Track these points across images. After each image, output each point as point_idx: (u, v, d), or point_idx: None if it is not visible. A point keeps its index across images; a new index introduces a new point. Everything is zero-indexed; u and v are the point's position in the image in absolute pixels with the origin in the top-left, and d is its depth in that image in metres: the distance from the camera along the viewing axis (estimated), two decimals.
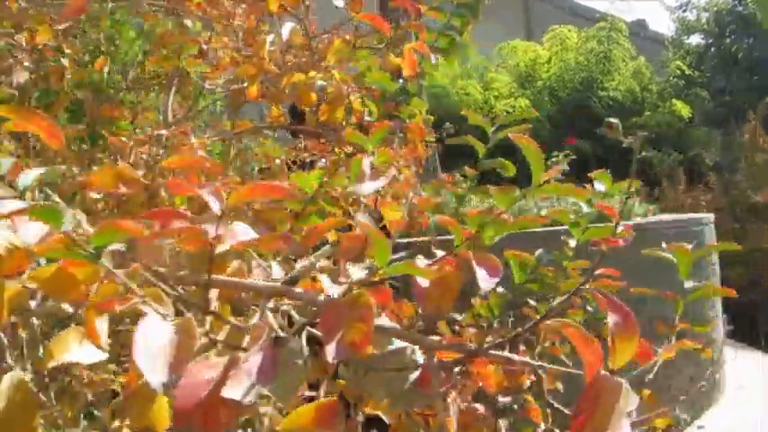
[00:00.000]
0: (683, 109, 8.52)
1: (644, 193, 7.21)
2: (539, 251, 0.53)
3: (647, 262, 3.54)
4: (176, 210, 0.46)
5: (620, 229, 0.64)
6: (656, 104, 8.71)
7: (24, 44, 0.81)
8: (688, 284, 0.64)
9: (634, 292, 0.64)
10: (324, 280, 0.45)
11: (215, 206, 0.43)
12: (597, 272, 0.64)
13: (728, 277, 6.50)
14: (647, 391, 0.72)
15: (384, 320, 0.48)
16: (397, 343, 0.47)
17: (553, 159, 4.25)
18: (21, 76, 0.95)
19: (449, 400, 0.53)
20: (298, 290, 0.48)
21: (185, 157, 0.99)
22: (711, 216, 4.36)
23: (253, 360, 0.37)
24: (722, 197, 6.78)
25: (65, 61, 1.01)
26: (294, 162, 1.37)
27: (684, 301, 0.72)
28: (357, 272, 0.45)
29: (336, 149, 0.81)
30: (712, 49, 10.27)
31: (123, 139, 1.17)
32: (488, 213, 0.50)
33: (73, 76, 0.85)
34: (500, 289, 0.76)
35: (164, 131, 1.09)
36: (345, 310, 0.39)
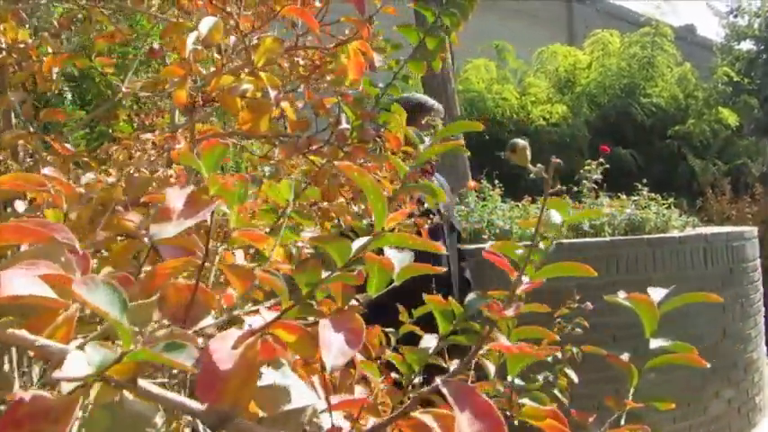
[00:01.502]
0: (730, 117, 8.20)
1: (687, 203, 6.97)
2: (470, 295, 0.45)
3: (681, 277, 3.37)
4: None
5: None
6: (702, 112, 8.41)
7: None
8: (654, 344, 0.56)
9: (608, 300, 0.57)
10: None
11: None
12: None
13: None
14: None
15: (279, 375, 0.40)
16: (296, 401, 0.39)
17: (586, 168, 4.13)
18: None
19: None
20: None
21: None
22: (755, 230, 4.17)
23: None
24: None
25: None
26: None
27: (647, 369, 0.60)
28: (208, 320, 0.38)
29: (312, 158, 0.76)
30: (763, 56, 9.87)
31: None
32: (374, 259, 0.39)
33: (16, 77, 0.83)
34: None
35: (149, 135, 1.06)
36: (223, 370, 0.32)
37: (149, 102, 1.62)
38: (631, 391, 0.56)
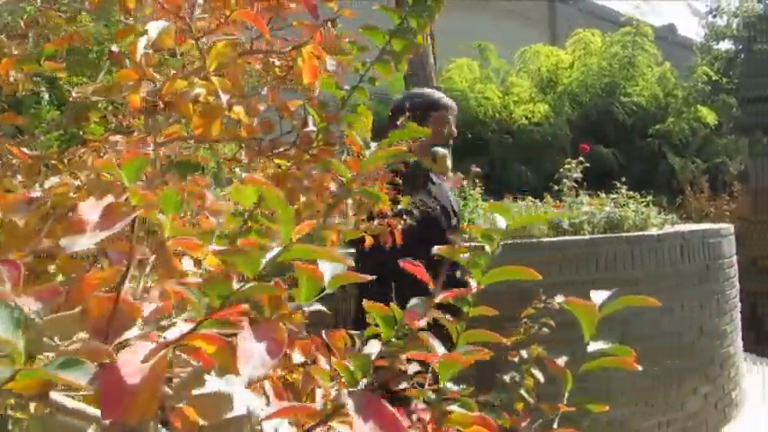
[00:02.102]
0: (709, 116, 8.31)
1: (667, 201, 7.05)
2: (413, 300, 0.45)
3: (659, 275, 3.41)
4: None
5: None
6: (681, 111, 8.51)
7: None
8: (593, 346, 0.57)
9: (565, 306, 0.57)
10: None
11: None
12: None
13: (750, 290, 6.32)
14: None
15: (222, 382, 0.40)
16: (238, 408, 0.39)
17: (566, 167, 4.16)
18: None
19: None
20: None
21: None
22: (731, 227, 4.23)
23: None
24: (747, 207, 6.59)
25: None
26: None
27: (587, 367, 0.60)
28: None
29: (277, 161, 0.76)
30: (742, 56, 10.01)
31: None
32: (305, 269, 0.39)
33: None
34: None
35: (118, 137, 1.06)
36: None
37: (126, 103, 1.60)
38: (566, 394, 0.56)
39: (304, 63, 0.65)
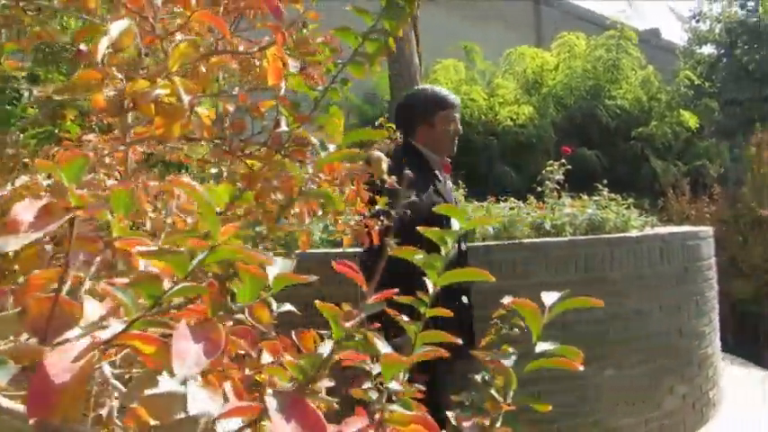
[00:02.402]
0: (691, 119, 8.42)
1: (648, 203, 7.13)
2: (366, 302, 0.46)
3: (638, 276, 3.44)
4: None
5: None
6: (664, 114, 8.61)
7: None
8: (540, 347, 0.58)
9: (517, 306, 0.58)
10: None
11: None
12: None
13: (730, 291, 6.41)
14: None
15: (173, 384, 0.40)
16: (192, 408, 0.39)
17: (548, 169, 4.20)
18: None
19: None
20: None
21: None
22: (710, 229, 4.29)
23: None
24: (727, 209, 6.68)
25: None
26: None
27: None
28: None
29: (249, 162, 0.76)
30: (724, 60, 10.15)
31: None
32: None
33: None
34: None
35: (92, 136, 1.05)
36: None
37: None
38: (510, 393, 0.57)
39: (268, 65, 0.66)
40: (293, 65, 0.66)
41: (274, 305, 0.88)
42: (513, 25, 12.69)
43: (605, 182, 4.36)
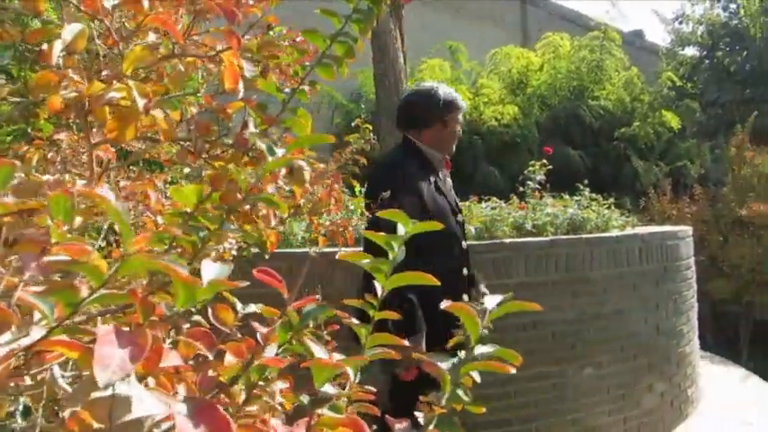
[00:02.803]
0: (673, 120, 8.51)
1: (630, 203, 7.20)
2: (309, 306, 0.46)
3: (618, 276, 3.47)
4: None
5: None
6: (646, 115, 8.69)
7: None
8: (479, 350, 0.59)
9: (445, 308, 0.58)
10: None
11: None
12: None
13: (710, 291, 6.49)
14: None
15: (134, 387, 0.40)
16: (137, 411, 0.39)
17: (530, 169, 4.22)
18: None
19: None
20: None
21: None
22: (689, 229, 4.34)
23: None
24: (707, 210, 6.76)
25: None
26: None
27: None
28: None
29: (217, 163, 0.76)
30: (706, 62, 10.27)
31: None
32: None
33: None
34: None
35: (62, 135, 1.05)
36: None
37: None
38: (445, 396, 0.58)
39: (224, 69, 0.66)
40: (249, 69, 0.67)
41: (239, 306, 0.88)
42: (499, 25, 12.75)
43: (587, 182, 4.40)
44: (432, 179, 2.44)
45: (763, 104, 9.26)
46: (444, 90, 2.60)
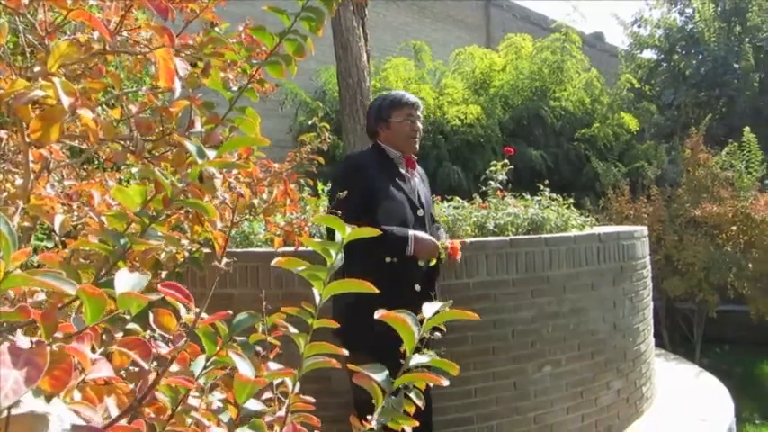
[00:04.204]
0: (631, 122, 8.70)
1: (590, 203, 7.33)
2: (240, 316, 0.44)
3: (576, 275, 3.53)
4: None
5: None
6: (606, 116, 8.87)
7: None
8: (415, 360, 0.58)
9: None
10: None
11: None
12: None
13: (665, 289, 6.66)
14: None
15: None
16: (55, 427, 0.37)
17: (492, 169, 4.25)
18: None
19: None
20: None
21: None
22: (645, 229, 4.43)
23: None
24: (664, 210, 6.93)
25: None
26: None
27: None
28: None
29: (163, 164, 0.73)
30: (663, 65, 10.52)
31: None
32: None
33: None
34: None
35: (2, 134, 1.00)
36: None
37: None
38: (378, 410, 0.57)
39: (159, 66, 0.63)
40: (182, 67, 0.64)
41: (183, 312, 0.85)
42: (463, 26, 12.84)
43: (547, 182, 4.45)
44: (389, 175, 2.61)
45: (717, 107, 9.55)
46: (389, 93, 2.80)
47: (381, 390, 0.63)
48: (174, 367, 0.75)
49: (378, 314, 0.55)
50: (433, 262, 2.56)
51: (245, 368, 0.48)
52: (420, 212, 2.65)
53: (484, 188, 4.40)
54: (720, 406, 4.20)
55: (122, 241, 0.60)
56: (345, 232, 0.51)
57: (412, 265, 2.51)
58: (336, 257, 0.52)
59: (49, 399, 0.40)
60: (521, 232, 3.72)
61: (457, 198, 4.17)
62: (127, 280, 0.43)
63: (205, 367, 0.43)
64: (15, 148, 1.31)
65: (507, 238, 3.42)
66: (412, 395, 1.03)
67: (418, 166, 2.85)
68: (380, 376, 0.57)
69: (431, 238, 2.56)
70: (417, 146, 2.73)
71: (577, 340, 3.50)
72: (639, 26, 10.82)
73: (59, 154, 1.20)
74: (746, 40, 9.63)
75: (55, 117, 0.52)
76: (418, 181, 2.78)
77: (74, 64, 0.60)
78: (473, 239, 3.38)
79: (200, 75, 0.71)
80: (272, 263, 0.50)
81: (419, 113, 2.74)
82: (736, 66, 9.52)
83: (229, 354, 0.46)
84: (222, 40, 0.80)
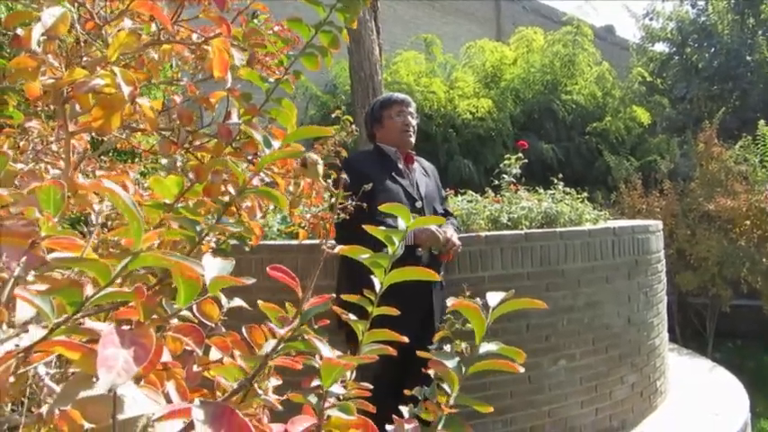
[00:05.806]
0: (643, 115, 8.64)
1: (602, 197, 7.30)
2: (313, 299, 0.45)
3: (591, 269, 3.51)
4: None
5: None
6: (618, 110, 8.82)
7: None
8: (484, 348, 0.58)
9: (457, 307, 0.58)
10: None
11: None
12: None
13: (677, 284, 6.63)
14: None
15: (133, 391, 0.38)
16: (130, 410, 0.37)
17: (505, 163, 4.24)
18: None
19: None
20: None
21: None
22: (659, 223, 4.41)
23: None
24: (676, 204, 6.89)
25: None
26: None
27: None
28: None
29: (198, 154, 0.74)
30: (675, 58, 10.44)
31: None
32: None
33: None
34: None
35: (33, 123, 1.01)
36: None
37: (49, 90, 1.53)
38: (453, 394, 0.57)
39: (214, 56, 0.63)
40: (238, 57, 0.64)
41: (224, 300, 0.86)
42: (473, 19, 12.78)
43: (560, 176, 4.44)
44: (386, 170, 2.73)
45: (730, 100, 9.47)
46: (382, 96, 2.94)
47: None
48: (216, 354, 0.76)
49: (449, 301, 0.55)
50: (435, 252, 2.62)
51: (327, 352, 0.48)
52: (419, 204, 2.73)
53: (496, 182, 4.39)
54: (735, 401, 4.19)
55: (199, 228, 0.61)
56: (409, 220, 0.51)
57: (413, 255, 2.55)
58: (398, 245, 0.53)
59: (138, 380, 0.40)
60: (534, 226, 3.72)
61: (470, 192, 4.16)
62: (214, 264, 0.44)
63: (276, 351, 0.44)
64: (39, 139, 1.32)
65: (522, 232, 3.42)
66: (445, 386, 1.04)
67: (426, 161, 2.96)
68: (452, 362, 0.57)
69: (427, 226, 2.60)
70: (412, 140, 2.84)
71: (592, 334, 3.49)
72: (651, 19, 10.75)
73: (86, 144, 1.21)
74: (760, 32, 9.54)
75: (115, 105, 0.53)
76: (419, 175, 2.87)
77: (129, 54, 0.60)
78: (488, 233, 3.38)
79: (244, 65, 0.71)
80: (335, 251, 0.51)
81: (410, 110, 2.87)
82: (750, 58, 9.43)
83: (310, 338, 0.47)
84: (260, 32, 0.81)
